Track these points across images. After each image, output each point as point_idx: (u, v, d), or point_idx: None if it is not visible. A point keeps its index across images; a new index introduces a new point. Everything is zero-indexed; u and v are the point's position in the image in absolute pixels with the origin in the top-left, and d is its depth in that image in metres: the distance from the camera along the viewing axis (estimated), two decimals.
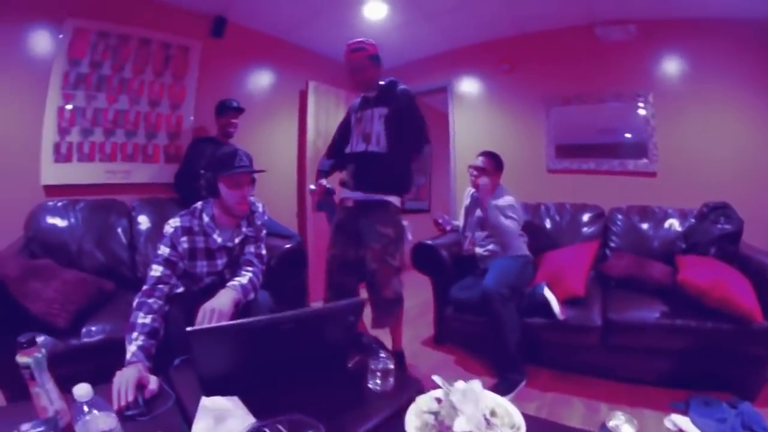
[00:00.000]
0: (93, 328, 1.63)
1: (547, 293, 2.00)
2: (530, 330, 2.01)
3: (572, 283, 2.08)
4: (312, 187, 2.19)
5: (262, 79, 3.30)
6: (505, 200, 2.23)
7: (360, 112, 2.00)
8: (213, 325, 1.20)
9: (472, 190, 2.44)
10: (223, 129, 2.64)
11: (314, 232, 3.44)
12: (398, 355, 2.07)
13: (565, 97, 3.01)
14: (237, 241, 1.55)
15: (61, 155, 2.31)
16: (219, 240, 1.50)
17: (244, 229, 1.57)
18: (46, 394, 0.89)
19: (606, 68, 2.88)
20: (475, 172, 2.33)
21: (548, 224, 2.71)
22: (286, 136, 3.48)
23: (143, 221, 2.34)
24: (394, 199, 1.95)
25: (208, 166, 1.48)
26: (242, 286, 1.42)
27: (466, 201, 2.51)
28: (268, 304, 1.57)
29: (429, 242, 2.47)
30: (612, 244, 2.53)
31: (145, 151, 2.63)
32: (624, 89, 2.82)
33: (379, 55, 1.91)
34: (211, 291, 1.40)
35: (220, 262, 1.53)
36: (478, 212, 2.34)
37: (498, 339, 1.95)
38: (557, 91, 3.05)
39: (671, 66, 2.74)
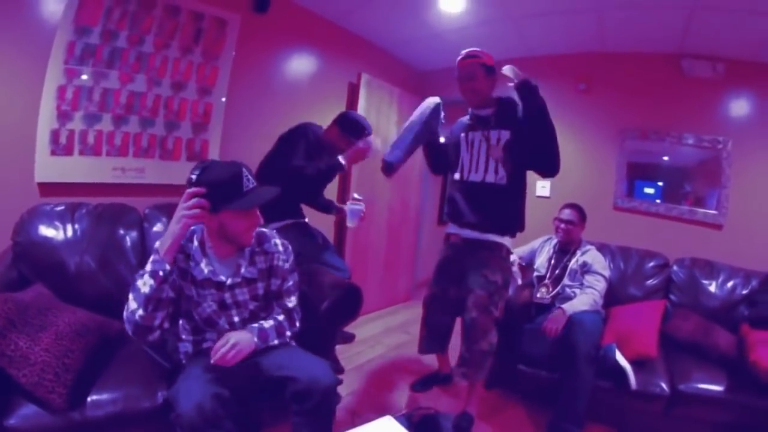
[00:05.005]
0: (101, 397, 1.27)
1: (621, 360, 1.87)
2: (595, 391, 1.87)
3: (644, 344, 1.98)
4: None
5: (308, 66, 2.85)
6: (594, 257, 2.16)
7: (472, 133, 1.83)
8: None
9: (554, 239, 2.32)
10: (336, 144, 2.11)
11: (353, 241, 3.15)
12: (468, 420, 1.80)
13: (642, 131, 2.76)
14: (235, 280, 1.32)
15: (60, 146, 1.85)
16: (206, 271, 1.27)
17: (243, 270, 1.33)
18: None
19: (687, 106, 2.64)
20: (562, 225, 2.22)
21: (612, 269, 2.48)
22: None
23: (157, 235, 1.90)
24: (508, 241, 1.82)
25: (215, 191, 1.19)
26: (261, 330, 1.31)
27: (549, 249, 2.32)
28: (332, 381, 1.27)
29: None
30: (673, 297, 2.39)
31: (164, 144, 2.16)
32: (703, 132, 2.60)
33: (494, 67, 1.74)
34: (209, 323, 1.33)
35: (208, 294, 1.31)
36: (572, 264, 2.19)
37: (569, 396, 1.82)
38: (634, 122, 2.79)
39: (756, 114, 2.52)
